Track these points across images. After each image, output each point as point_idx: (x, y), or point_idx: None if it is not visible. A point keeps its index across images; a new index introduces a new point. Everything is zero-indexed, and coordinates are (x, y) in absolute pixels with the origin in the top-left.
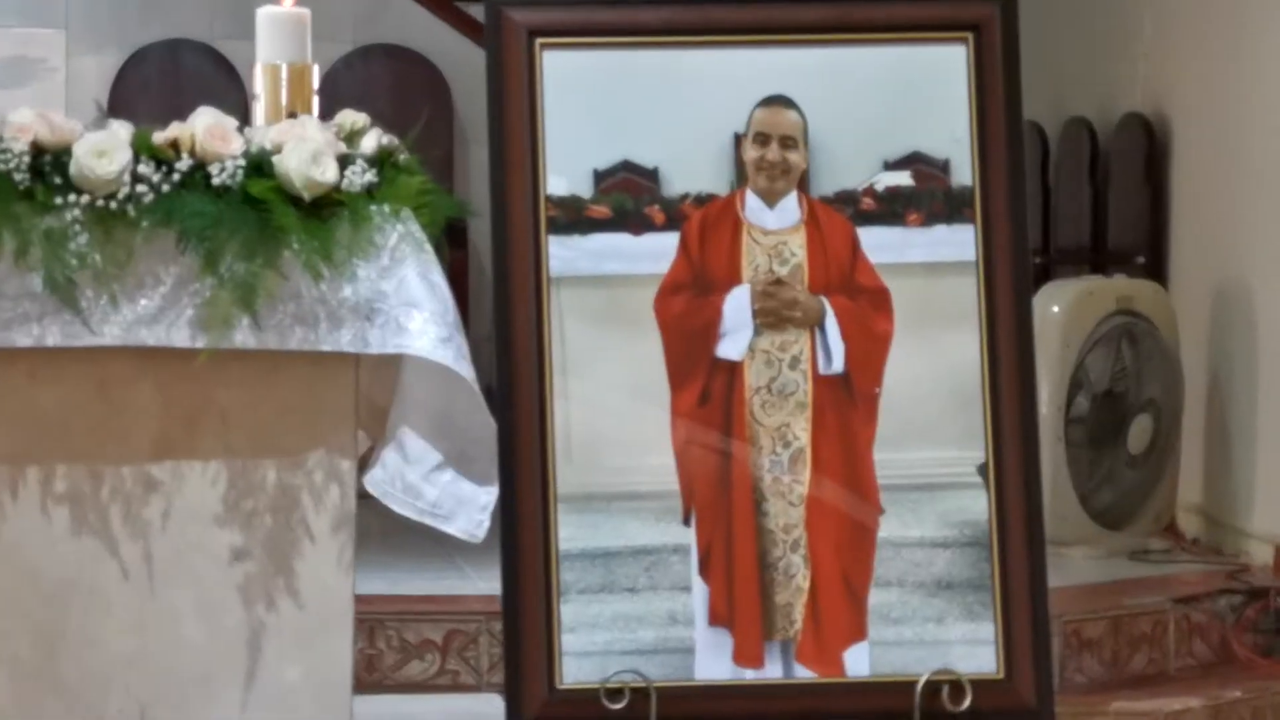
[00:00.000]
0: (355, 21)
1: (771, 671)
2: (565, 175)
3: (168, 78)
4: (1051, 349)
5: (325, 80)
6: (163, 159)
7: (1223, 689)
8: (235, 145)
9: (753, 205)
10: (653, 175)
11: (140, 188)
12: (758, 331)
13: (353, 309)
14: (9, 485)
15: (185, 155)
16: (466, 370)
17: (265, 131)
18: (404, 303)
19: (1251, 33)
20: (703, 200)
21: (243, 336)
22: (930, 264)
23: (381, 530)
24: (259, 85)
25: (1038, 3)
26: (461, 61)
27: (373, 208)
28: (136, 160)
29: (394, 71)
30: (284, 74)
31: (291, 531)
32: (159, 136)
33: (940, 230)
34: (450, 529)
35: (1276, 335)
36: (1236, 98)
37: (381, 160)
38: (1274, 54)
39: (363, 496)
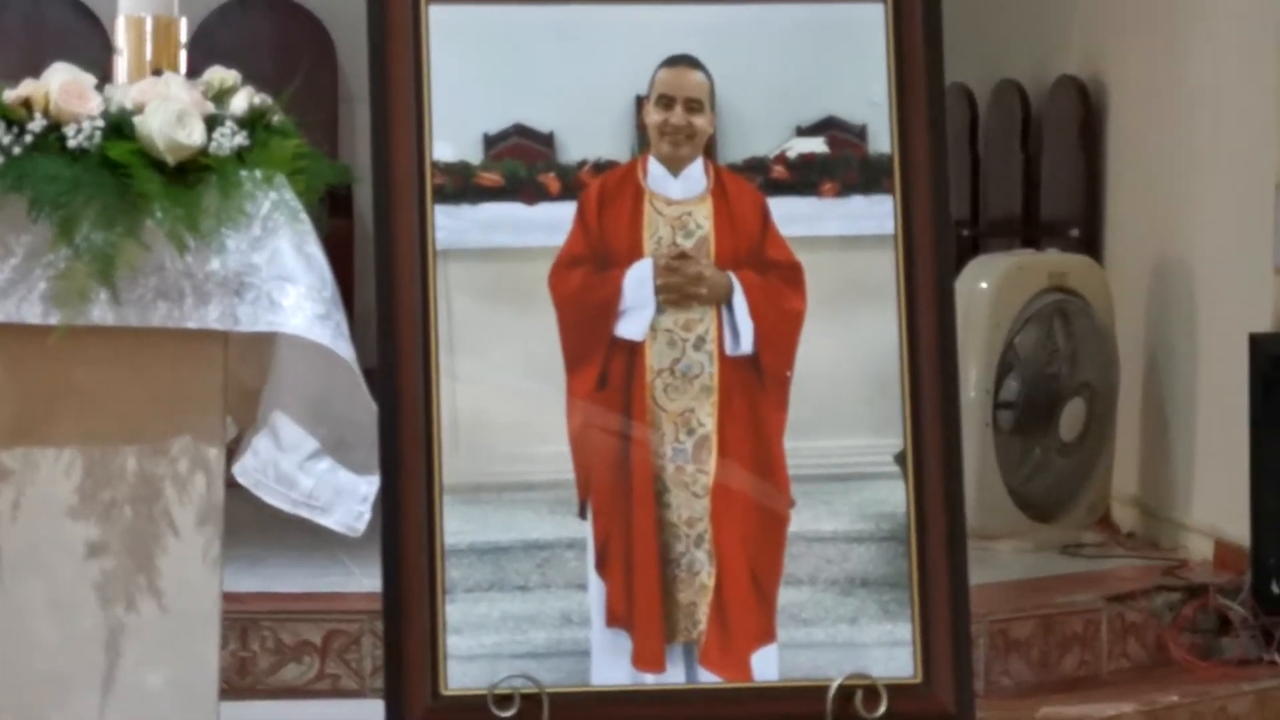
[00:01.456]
0: None
1: (673, 676)
2: (453, 140)
3: (29, 29)
4: (979, 328)
5: (199, 34)
6: (14, 119)
7: (1159, 693)
8: (93, 104)
9: (655, 173)
10: (548, 140)
11: None
12: (660, 309)
13: (221, 283)
14: None
15: (39, 115)
16: (345, 350)
17: (126, 90)
18: (277, 276)
19: None
20: (601, 167)
21: (100, 312)
22: (846, 237)
23: (256, 523)
24: (121, 39)
25: None
26: (347, 14)
27: (243, 173)
28: None
29: (274, 25)
30: (149, 27)
31: (154, 524)
32: (10, 95)
33: (857, 201)
34: (327, 521)
35: (1217, 315)
36: (1176, 62)
37: (253, 121)
38: (1214, 16)
39: (233, 486)
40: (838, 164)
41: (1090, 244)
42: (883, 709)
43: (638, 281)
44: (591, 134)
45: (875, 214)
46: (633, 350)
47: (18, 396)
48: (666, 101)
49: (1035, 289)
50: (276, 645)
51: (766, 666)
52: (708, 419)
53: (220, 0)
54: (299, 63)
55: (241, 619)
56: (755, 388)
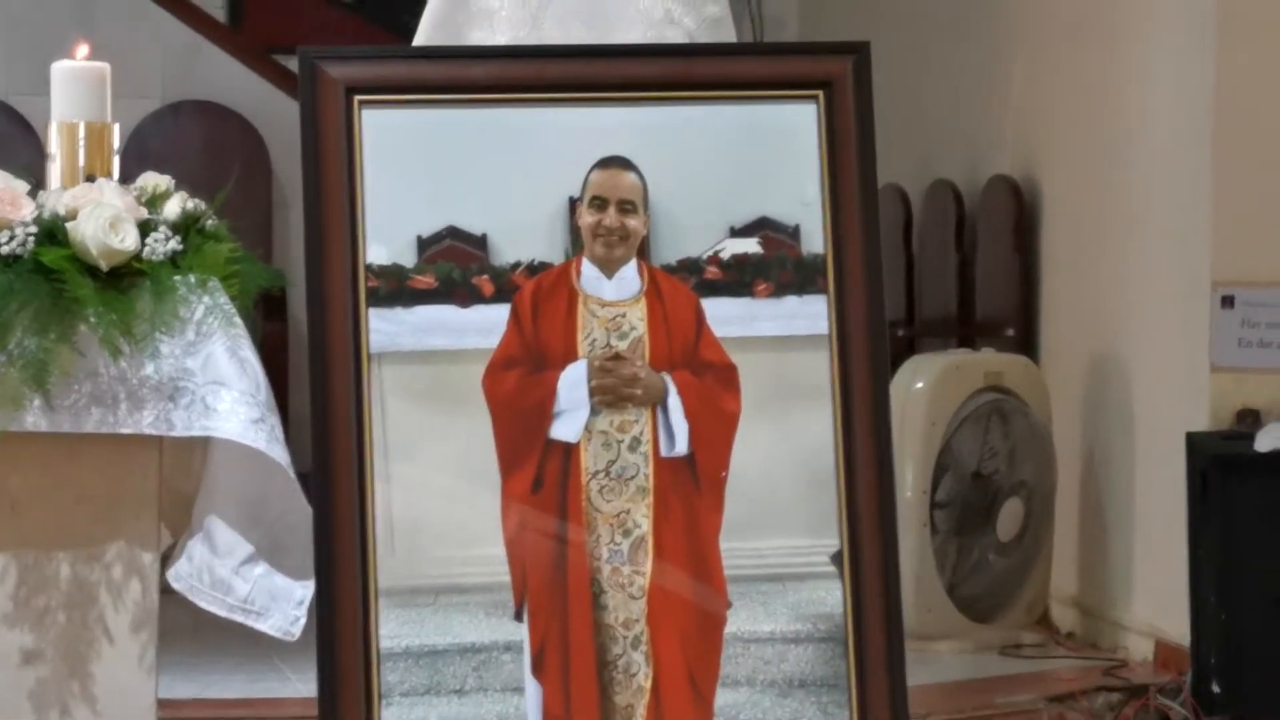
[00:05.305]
0: (164, 76)
1: None
2: (387, 243)
3: None
4: (916, 428)
5: (132, 139)
6: None
7: None
8: (26, 210)
9: (589, 274)
10: (481, 242)
11: None
12: (595, 411)
13: (155, 388)
14: None
15: None
16: (280, 454)
17: (59, 196)
18: (211, 381)
19: (1122, 94)
20: (535, 269)
21: (34, 418)
22: (781, 338)
23: (191, 628)
24: (54, 145)
25: (899, 60)
26: (279, 118)
27: (177, 278)
28: None
29: (207, 129)
30: (81, 133)
31: (88, 631)
32: None
33: (791, 301)
34: (263, 626)
35: (1154, 412)
36: (1108, 160)
37: (186, 226)
38: (1145, 116)
39: (167, 592)
40: (771, 264)
41: (1026, 343)
42: None
43: (572, 383)
44: (525, 236)
45: (809, 314)
46: (568, 452)
47: None
48: (600, 203)
49: (971, 389)
50: None
51: None
52: (643, 520)
53: (152, 106)
54: (231, 167)
55: None
56: (691, 488)
